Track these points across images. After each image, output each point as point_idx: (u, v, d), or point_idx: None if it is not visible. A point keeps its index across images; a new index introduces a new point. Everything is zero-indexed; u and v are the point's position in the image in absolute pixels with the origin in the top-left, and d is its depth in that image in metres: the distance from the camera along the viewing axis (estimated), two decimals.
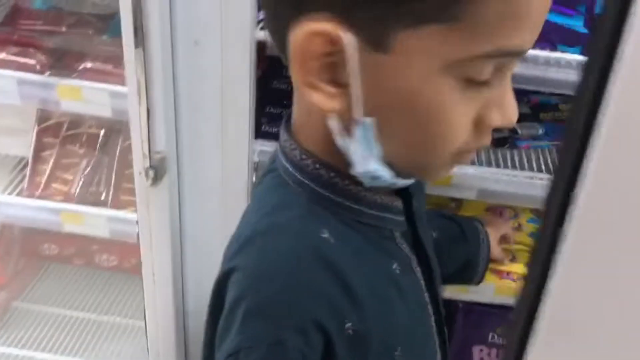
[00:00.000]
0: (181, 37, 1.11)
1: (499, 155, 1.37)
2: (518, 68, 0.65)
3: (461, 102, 0.60)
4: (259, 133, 1.27)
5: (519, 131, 1.42)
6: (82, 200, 1.42)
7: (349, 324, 0.66)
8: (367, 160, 0.65)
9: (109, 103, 1.27)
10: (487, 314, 1.55)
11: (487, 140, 0.66)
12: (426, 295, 0.80)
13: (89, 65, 1.27)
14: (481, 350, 1.60)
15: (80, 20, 1.42)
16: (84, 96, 1.26)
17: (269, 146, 1.27)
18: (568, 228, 0.41)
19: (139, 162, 1.16)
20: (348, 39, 0.58)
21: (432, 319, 0.81)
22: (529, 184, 1.30)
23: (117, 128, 1.47)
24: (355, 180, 0.69)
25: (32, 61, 1.27)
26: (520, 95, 1.51)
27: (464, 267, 1.20)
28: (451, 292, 1.40)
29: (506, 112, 0.63)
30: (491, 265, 1.41)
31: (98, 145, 1.47)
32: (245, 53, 1.12)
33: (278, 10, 0.63)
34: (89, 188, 1.43)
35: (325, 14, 0.58)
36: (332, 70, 0.61)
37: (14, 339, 1.78)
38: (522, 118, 1.45)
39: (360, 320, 0.67)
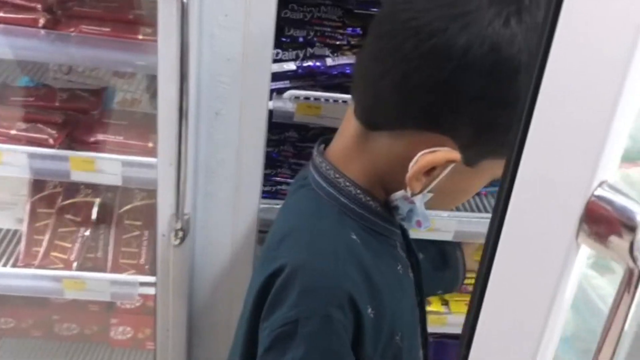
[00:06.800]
0: (204, 109, 1.23)
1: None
2: None
3: None
4: None
5: None
6: (81, 267, 1.48)
7: (369, 309, 0.84)
8: (417, 215, 0.91)
9: (120, 172, 1.36)
10: (455, 346, 1.72)
11: None
12: (415, 296, 1.01)
13: (100, 137, 1.36)
14: None
15: (72, 95, 1.50)
16: (97, 167, 1.34)
17: (268, 204, 1.39)
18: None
19: (165, 225, 1.26)
20: (459, 160, 0.83)
21: (418, 317, 1.02)
22: None
23: (111, 196, 1.55)
24: (374, 198, 0.91)
25: (43, 136, 1.34)
26: None
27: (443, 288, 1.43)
28: (430, 324, 1.56)
29: None
30: (466, 299, 1.60)
31: (94, 213, 1.53)
32: (260, 122, 1.25)
33: (412, 114, 0.83)
34: (88, 254, 1.49)
35: (449, 140, 0.82)
36: (432, 169, 0.85)
37: None
38: None
39: (378, 306, 0.86)
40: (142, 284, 1.46)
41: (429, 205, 0.91)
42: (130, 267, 1.50)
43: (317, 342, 0.80)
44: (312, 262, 0.85)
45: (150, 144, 1.35)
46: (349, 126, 0.92)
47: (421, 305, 1.05)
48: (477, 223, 1.48)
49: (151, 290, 1.42)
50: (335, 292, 0.82)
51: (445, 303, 1.61)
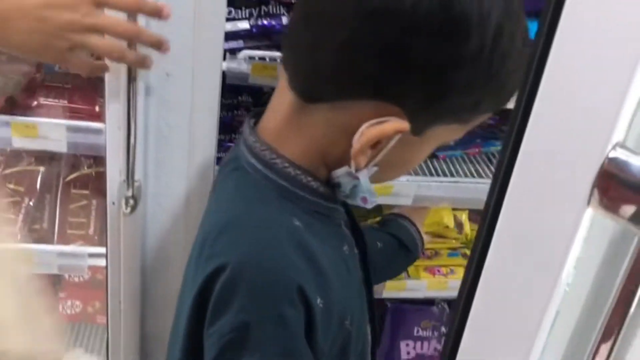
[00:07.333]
0: (153, 69, 1.16)
1: (423, 165, 1.55)
2: None
3: None
4: None
5: None
6: (26, 238, 1.40)
7: (319, 299, 0.79)
8: (362, 191, 0.84)
9: (65, 138, 1.28)
10: (412, 311, 1.71)
11: None
12: (361, 273, 0.97)
13: (43, 101, 1.28)
14: (407, 345, 1.76)
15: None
16: (40, 133, 1.26)
17: None
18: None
19: (114, 192, 1.20)
20: (408, 129, 0.77)
21: (365, 293, 0.98)
22: (454, 187, 1.48)
23: (56, 164, 1.47)
24: (315, 178, 0.84)
25: None
26: None
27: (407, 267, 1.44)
28: (389, 290, 1.54)
29: None
30: (424, 264, 1.58)
31: (39, 182, 1.45)
32: (214, 83, 1.19)
33: (354, 82, 0.77)
34: (33, 226, 1.42)
35: (397, 108, 0.76)
36: (378, 141, 0.79)
37: None
38: None
39: (327, 295, 0.80)
40: (92, 255, 1.40)
41: (373, 179, 0.85)
42: (78, 238, 1.44)
43: (272, 346, 0.75)
44: (255, 257, 0.78)
45: (97, 108, 1.28)
46: (282, 99, 0.84)
47: (367, 280, 1.00)
48: (437, 187, 1.46)
49: (101, 262, 1.36)
50: (284, 287, 0.76)
51: None
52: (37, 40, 0.91)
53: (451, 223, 1.41)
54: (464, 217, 1.44)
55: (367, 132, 0.77)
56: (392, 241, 1.33)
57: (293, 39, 0.83)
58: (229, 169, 0.90)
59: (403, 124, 0.76)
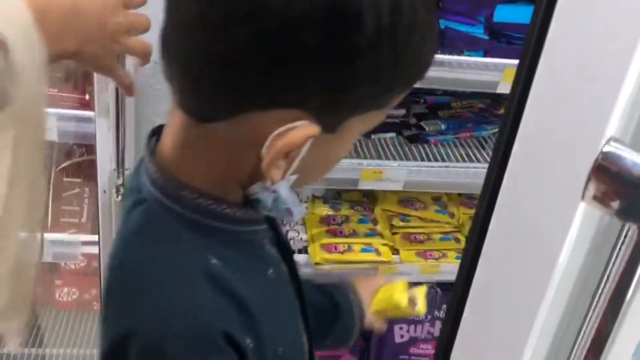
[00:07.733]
0: None
1: (414, 150, 1.55)
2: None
3: None
4: None
5: (426, 128, 1.61)
6: None
7: (248, 340, 0.74)
8: (284, 203, 0.75)
9: (56, 127, 1.29)
10: None
11: None
12: (291, 286, 0.90)
13: None
14: (401, 328, 1.77)
15: None
16: None
17: None
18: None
19: (105, 181, 1.21)
20: (318, 132, 0.68)
21: (297, 304, 0.91)
22: (445, 172, 1.49)
23: (48, 152, 1.48)
24: (229, 204, 0.75)
25: None
26: (417, 96, 1.71)
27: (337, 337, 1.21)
28: (381, 274, 1.56)
29: None
30: (416, 248, 1.59)
31: None
32: None
33: (245, 94, 0.68)
34: None
35: (301, 112, 0.67)
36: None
37: None
38: (423, 117, 1.66)
39: (255, 333, 0.75)
40: (85, 243, 1.41)
41: (296, 186, 0.77)
42: (71, 226, 1.44)
43: None
44: (170, 319, 0.72)
45: (87, 97, 1.28)
46: (176, 114, 0.74)
47: (299, 291, 0.92)
48: (428, 172, 1.47)
49: (94, 249, 1.37)
50: (207, 339, 0.71)
51: (396, 252, 1.60)
52: (103, 47, 0.87)
53: (404, 301, 1.19)
54: (421, 293, 1.24)
55: (274, 144, 0.68)
56: (321, 299, 1.16)
57: (168, 52, 0.72)
58: (132, 202, 0.79)
59: (312, 128, 0.68)
